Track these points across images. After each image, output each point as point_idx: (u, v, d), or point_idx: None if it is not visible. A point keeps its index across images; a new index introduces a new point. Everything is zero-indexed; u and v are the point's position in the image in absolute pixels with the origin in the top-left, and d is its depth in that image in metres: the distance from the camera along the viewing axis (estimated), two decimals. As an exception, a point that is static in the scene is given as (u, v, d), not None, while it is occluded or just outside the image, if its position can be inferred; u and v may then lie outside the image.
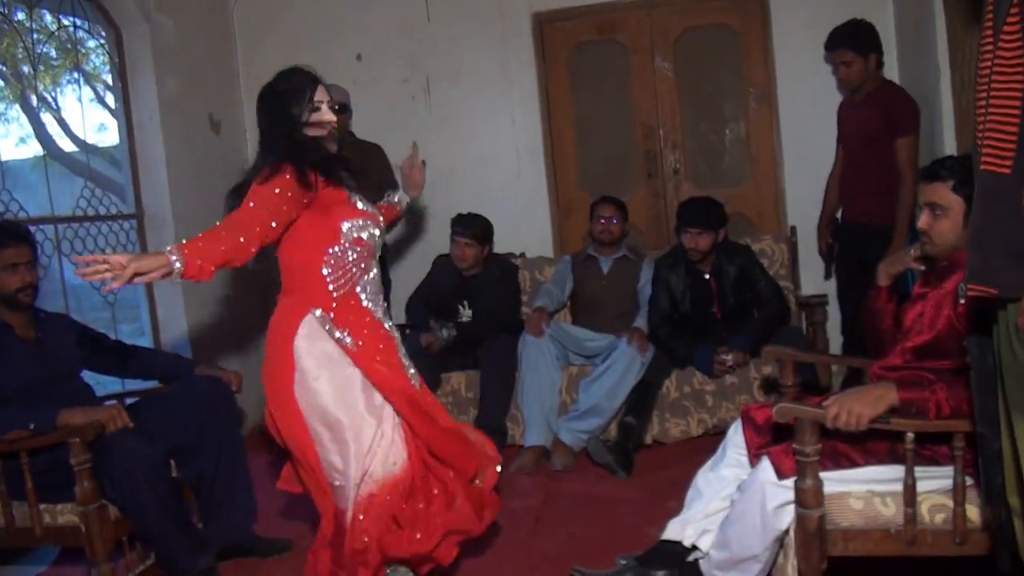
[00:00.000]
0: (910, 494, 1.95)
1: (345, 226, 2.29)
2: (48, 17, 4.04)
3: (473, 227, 4.13)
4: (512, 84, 4.93)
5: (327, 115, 2.35)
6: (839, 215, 4.11)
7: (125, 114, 4.34)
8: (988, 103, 1.31)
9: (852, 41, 3.74)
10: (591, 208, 4.29)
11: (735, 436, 2.35)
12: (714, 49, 4.83)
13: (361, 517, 2.23)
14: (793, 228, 4.48)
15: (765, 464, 2.08)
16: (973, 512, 1.96)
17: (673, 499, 2.98)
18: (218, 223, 2.09)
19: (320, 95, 2.34)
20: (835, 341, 4.16)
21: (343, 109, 4.35)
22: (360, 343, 2.25)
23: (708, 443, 3.47)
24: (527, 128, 4.95)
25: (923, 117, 3.70)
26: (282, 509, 3.44)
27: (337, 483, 2.25)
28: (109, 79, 8.35)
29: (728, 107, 4.88)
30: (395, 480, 2.26)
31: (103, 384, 3.19)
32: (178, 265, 1.94)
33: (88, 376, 3.04)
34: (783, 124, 4.71)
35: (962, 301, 1.37)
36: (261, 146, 2.34)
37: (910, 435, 1.91)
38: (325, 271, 2.26)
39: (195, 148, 4.57)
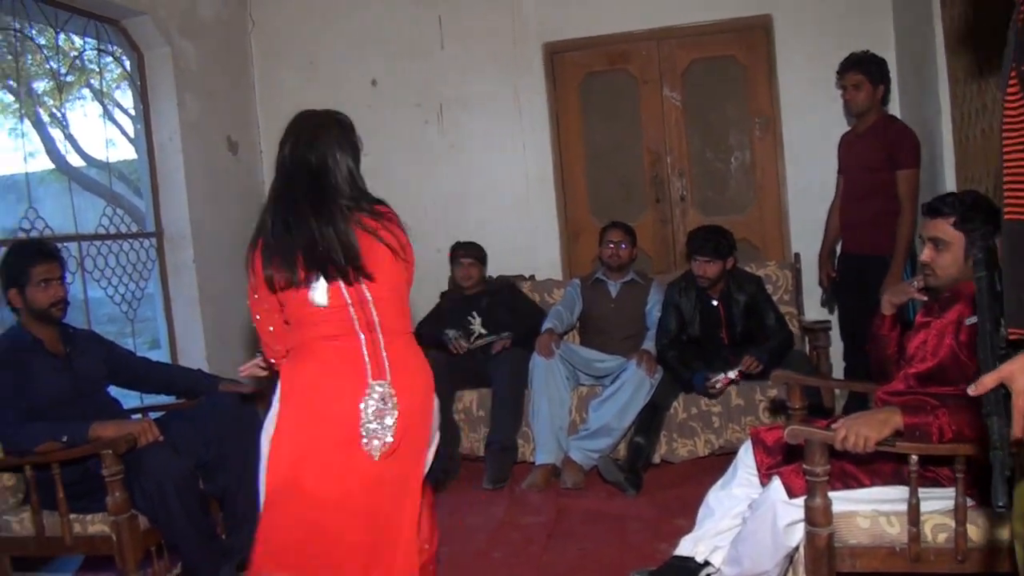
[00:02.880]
0: (914, 514, 2.04)
1: None
2: (61, 37, 4.12)
3: (473, 249, 4.51)
4: (523, 111, 5.05)
5: None
6: (839, 246, 4.21)
7: (146, 135, 4.44)
8: (1001, 159, 1.43)
9: (866, 67, 3.85)
10: (601, 233, 4.39)
11: (745, 456, 2.44)
12: (720, 80, 4.95)
13: None
14: (797, 255, 4.57)
15: (776, 483, 2.17)
16: (974, 531, 2.05)
17: (682, 517, 3.08)
18: None
19: None
20: (837, 366, 4.25)
21: None
22: None
23: (715, 463, 3.58)
24: (537, 154, 5.06)
25: (923, 151, 3.80)
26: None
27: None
28: (119, 97, 8.46)
29: (733, 136, 4.99)
30: None
31: (122, 398, 3.27)
32: None
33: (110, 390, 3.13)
34: (787, 153, 4.81)
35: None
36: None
37: (914, 457, 2.00)
38: None
39: (213, 168, 4.67)
